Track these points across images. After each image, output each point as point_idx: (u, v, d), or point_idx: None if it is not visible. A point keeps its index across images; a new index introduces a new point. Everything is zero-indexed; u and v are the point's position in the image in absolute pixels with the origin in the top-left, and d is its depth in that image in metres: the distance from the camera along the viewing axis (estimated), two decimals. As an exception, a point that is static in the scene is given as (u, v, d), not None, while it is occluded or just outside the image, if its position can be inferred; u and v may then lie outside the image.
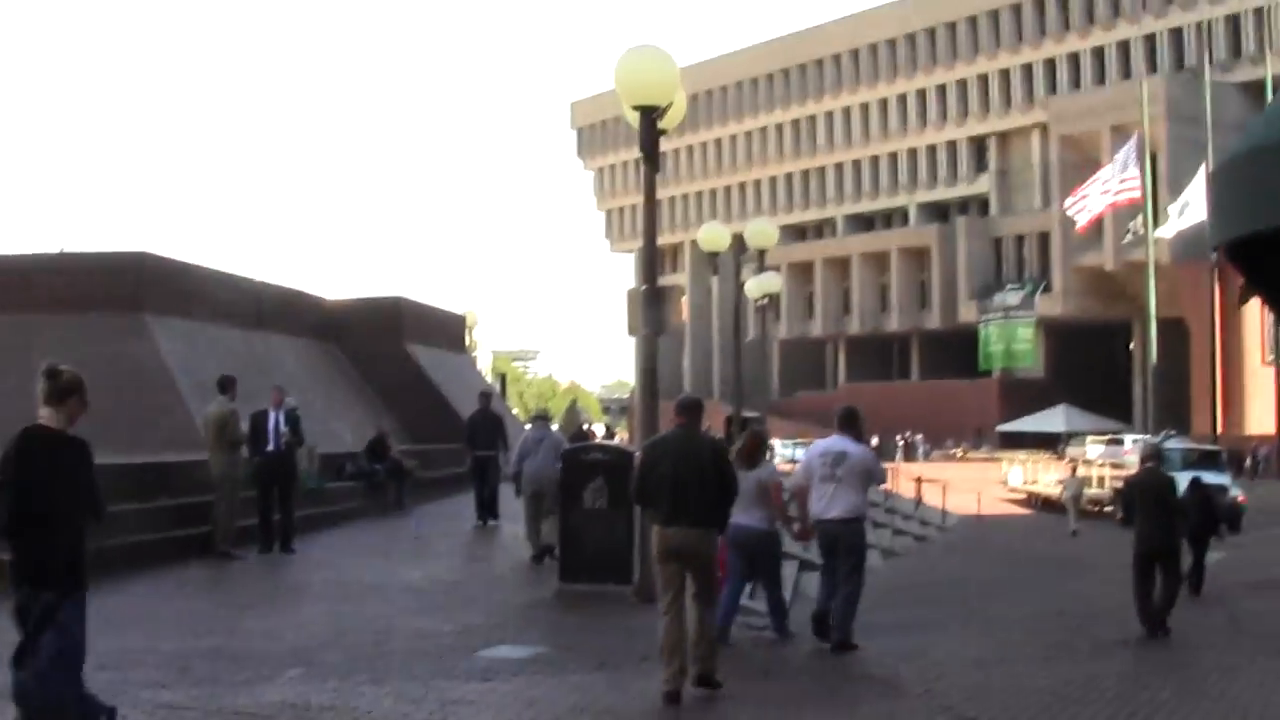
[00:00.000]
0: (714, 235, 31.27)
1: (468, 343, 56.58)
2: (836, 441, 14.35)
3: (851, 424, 14.48)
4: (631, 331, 17.27)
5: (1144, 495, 16.18)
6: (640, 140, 15.90)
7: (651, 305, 16.67)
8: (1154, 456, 17.21)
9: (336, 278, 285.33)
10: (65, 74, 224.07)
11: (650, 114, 15.81)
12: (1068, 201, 72.92)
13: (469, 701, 11.08)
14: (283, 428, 21.54)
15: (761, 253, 33.35)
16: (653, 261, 17.20)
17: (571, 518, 17.84)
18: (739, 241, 33.87)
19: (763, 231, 32.53)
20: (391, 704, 10.82)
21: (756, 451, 14.76)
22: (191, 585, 17.94)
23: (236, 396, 21.00)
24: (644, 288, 16.91)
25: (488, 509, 25.80)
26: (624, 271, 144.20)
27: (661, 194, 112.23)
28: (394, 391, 39.19)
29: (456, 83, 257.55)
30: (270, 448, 21.39)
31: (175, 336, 28.81)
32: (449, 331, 47.67)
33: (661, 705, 11.09)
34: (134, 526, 18.75)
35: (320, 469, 26.36)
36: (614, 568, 17.30)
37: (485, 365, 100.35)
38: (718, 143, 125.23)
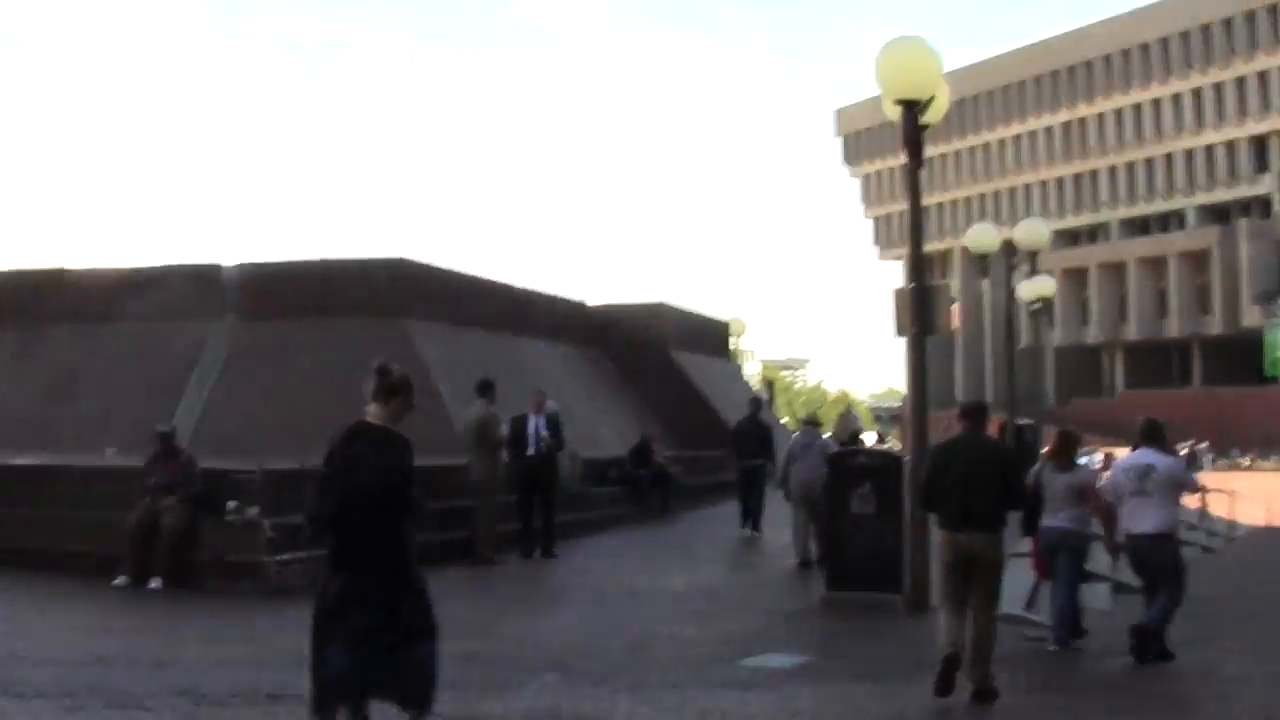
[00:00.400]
0: (983, 237, 30.19)
1: (734, 350, 56.07)
2: (1142, 455, 13.55)
3: (1156, 435, 13.68)
4: (900, 332, 16.54)
5: None
6: (903, 135, 15.33)
7: (919, 304, 15.98)
8: None
9: (600, 283, 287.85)
10: (328, 80, 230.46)
11: (912, 108, 15.27)
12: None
13: (727, 712, 10.46)
14: (543, 432, 21.30)
15: (1033, 255, 32.02)
16: (919, 258, 16.56)
17: (839, 524, 17.17)
18: (1009, 246, 32.71)
19: (1034, 231, 31.20)
20: (648, 713, 10.29)
21: (1068, 452, 13.98)
22: (451, 589, 17.53)
23: (496, 400, 20.79)
24: (911, 286, 16.22)
25: (752, 518, 25.23)
26: (892, 280, 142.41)
27: (929, 200, 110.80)
28: (658, 397, 38.91)
29: (721, 89, 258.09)
30: (531, 452, 21.15)
31: (435, 342, 28.82)
32: (714, 338, 47.32)
33: (934, 709, 10.38)
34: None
35: (583, 474, 26.09)
36: (882, 575, 16.57)
37: (753, 373, 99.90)
38: (985, 147, 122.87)
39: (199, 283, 30.02)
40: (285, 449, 20.72)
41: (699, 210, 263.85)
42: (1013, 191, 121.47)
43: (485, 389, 20.85)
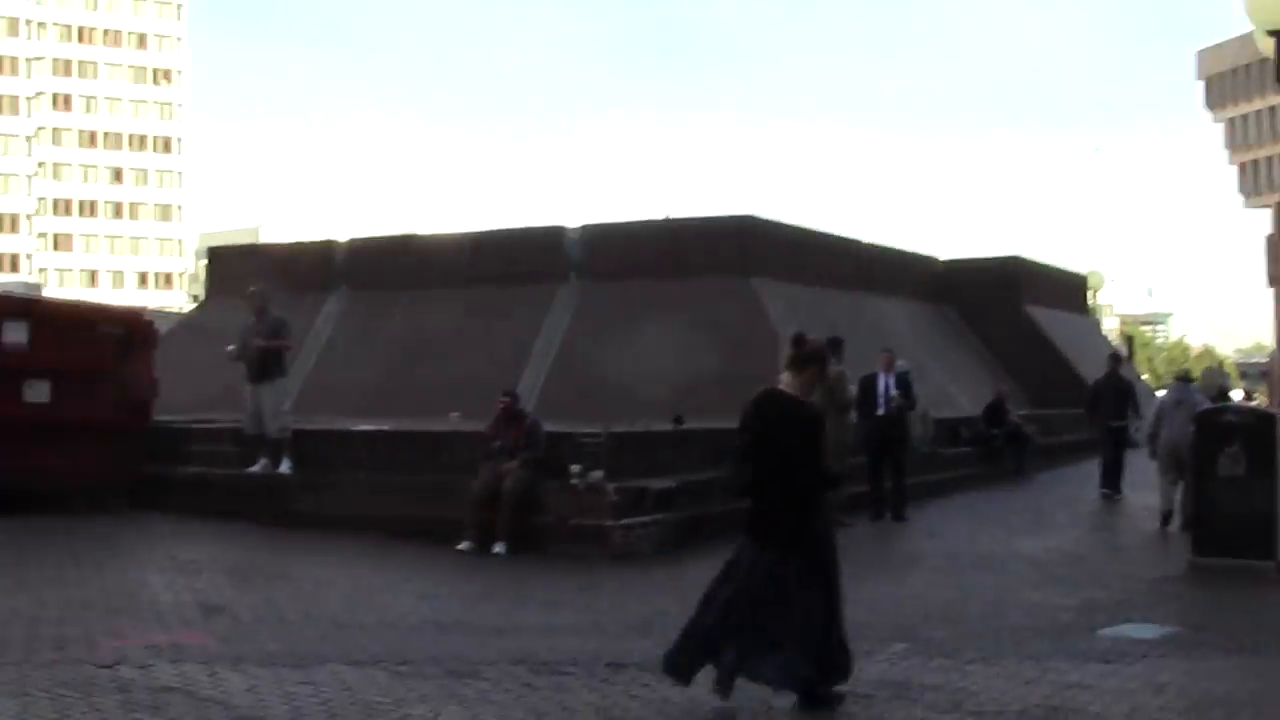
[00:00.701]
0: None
1: (1091, 305, 54.33)
2: None
3: None
4: (1271, 283, 15.58)
5: None
6: (1275, 70, 14.26)
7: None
8: None
9: (949, 238, 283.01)
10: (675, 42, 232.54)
11: (1283, 37, 14.17)
12: None
13: (1088, 685, 9.92)
14: (893, 391, 20.83)
15: None
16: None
17: (1206, 485, 16.30)
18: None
19: None
20: (1002, 685, 9.82)
21: None
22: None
23: (844, 359, 20.39)
24: None
25: (1112, 479, 24.23)
26: (1259, 229, 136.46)
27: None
28: (1011, 355, 37.92)
29: (1077, 33, 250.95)
30: (881, 412, 20.71)
31: (782, 301, 28.56)
32: (1070, 292, 45.92)
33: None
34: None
35: (934, 434, 25.50)
36: (1253, 541, 15.68)
37: (1112, 329, 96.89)
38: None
39: (544, 246, 30.40)
40: (632, 411, 20.80)
41: (1053, 161, 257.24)
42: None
43: (834, 347, 20.40)
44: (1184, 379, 21.36)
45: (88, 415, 18.58)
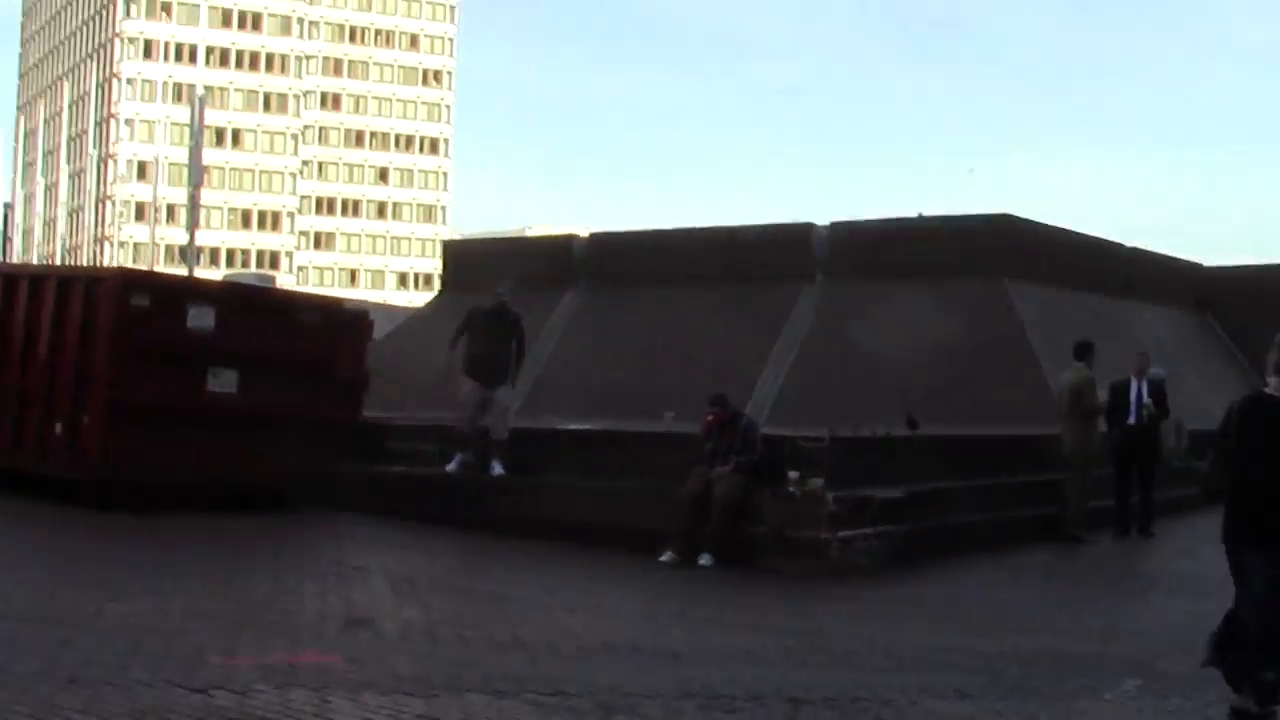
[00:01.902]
0: None
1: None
2: None
3: None
4: None
5: None
6: None
7: None
8: None
9: (1217, 243, 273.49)
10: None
11: None
12: None
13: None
14: (1146, 398, 19.51)
15: None
16: None
17: None
18: None
19: None
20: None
21: None
22: (1029, 573, 16.24)
23: (1094, 364, 19.20)
24: None
25: None
26: None
27: None
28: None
29: None
30: (1131, 420, 19.41)
31: (1036, 304, 27.28)
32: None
33: None
34: (972, 505, 17.35)
35: (1189, 446, 23.91)
36: None
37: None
38: None
39: (790, 243, 29.51)
40: (859, 415, 19.79)
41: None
42: None
43: (1083, 351, 19.30)
44: None
45: (282, 407, 17.30)
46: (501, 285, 19.50)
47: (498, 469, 18.58)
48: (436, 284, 43.77)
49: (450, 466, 18.76)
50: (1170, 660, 11.01)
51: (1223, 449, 8.95)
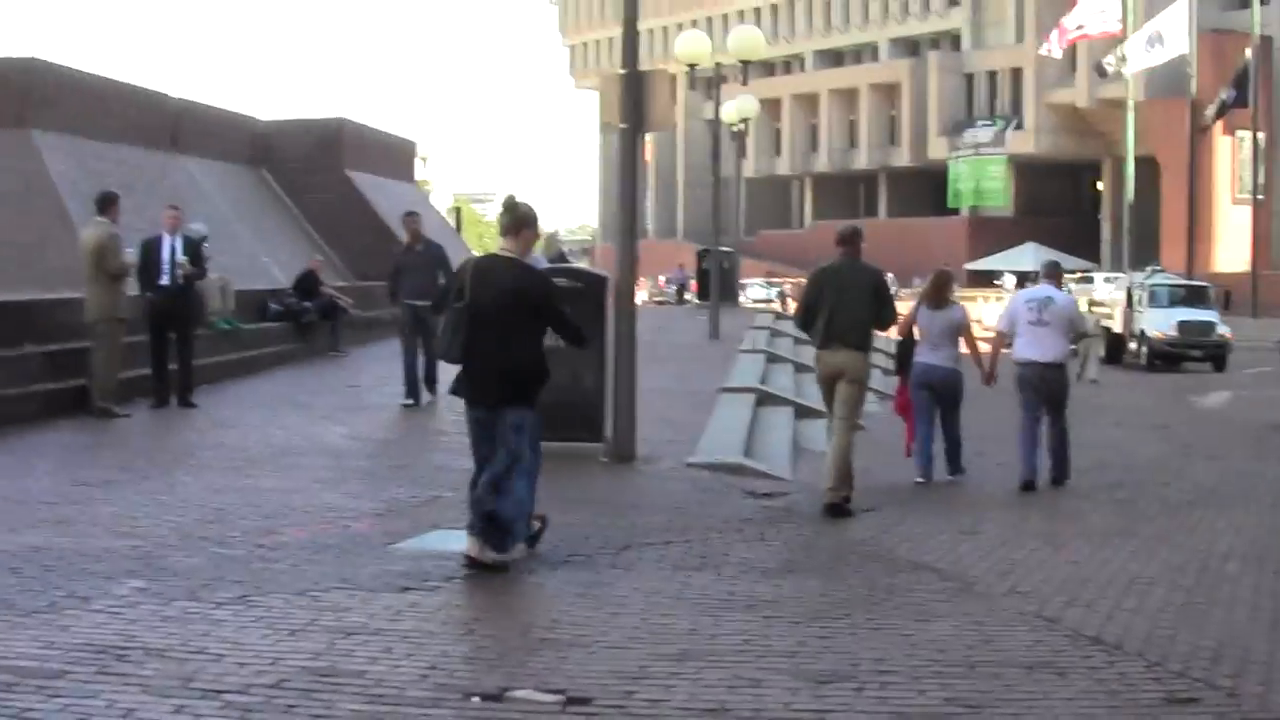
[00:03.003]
0: (693, 46, 27.40)
1: (419, 176, 52.60)
2: (1043, 289, 14.65)
3: (1055, 274, 15.06)
4: (605, 126, 13.93)
5: None
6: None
7: (633, 91, 13.42)
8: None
9: (273, 99, 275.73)
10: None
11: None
12: (1043, 47, 69.43)
13: (374, 631, 7.67)
14: (179, 257, 17.84)
15: (745, 65, 29.50)
16: (634, 43, 13.95)
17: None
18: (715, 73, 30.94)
19: (749, 41, 28.64)
20: (263, 642, 7.43)
21: (944, 291, 14.76)
22: (50, 453, 14.24)
23: (120, 220, 17.29)
24: (624, 71, 13.70)
25: (427, 378, 18.90)
26: (589, 111, 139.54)
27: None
28: (334, 223, 35.48)
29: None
30: (164, 281, 17.70)
31: (68, 157, 25.08)
32: (397, 158, 43.66)
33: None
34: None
35: (237, 307, 22.68)
36: (580, 421, 14.13)
37: (443, 206, 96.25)
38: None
39: None
40: None
41: (384, 29, 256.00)
42: (709, 20, 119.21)
43: (105, 204, 17.20)
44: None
45: None
46: None
47: None
48: None
49: None
50: (184, 552, 9.51)
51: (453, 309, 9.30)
